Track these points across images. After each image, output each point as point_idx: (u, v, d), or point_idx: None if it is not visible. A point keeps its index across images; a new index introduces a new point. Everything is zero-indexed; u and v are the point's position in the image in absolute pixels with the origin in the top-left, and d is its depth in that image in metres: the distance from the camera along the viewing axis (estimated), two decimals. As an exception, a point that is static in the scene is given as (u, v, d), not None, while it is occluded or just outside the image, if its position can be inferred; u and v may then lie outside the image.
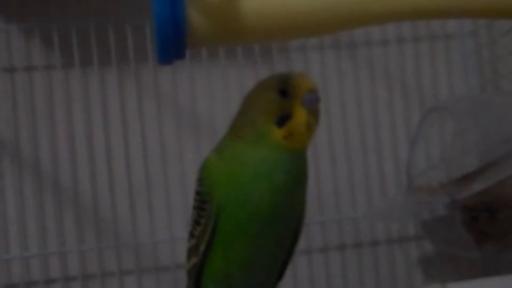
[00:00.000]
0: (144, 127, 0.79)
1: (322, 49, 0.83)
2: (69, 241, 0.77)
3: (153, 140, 0.79)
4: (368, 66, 0.85)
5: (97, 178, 0.78)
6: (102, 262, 0.77)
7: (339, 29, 0.47)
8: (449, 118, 0.76)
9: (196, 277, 0.53)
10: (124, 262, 0.78)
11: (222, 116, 0.76)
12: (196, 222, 0.52)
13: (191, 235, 0.53)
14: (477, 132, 0.73)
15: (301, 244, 0.80)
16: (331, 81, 0.83)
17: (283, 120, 0.49)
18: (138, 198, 0.78)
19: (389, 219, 0.78)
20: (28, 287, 0.76)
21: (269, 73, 0.78)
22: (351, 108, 0.83)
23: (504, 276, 0.53)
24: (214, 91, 0.80)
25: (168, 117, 0.80)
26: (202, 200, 0.51)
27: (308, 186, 0.80)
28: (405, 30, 0.86)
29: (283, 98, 0.49)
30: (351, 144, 0.83)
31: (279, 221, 0.50)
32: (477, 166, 0.69)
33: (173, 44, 0.43)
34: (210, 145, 0.55)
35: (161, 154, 0.78)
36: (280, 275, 0.56)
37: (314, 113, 0.50)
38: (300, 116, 0.49)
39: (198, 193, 0.52)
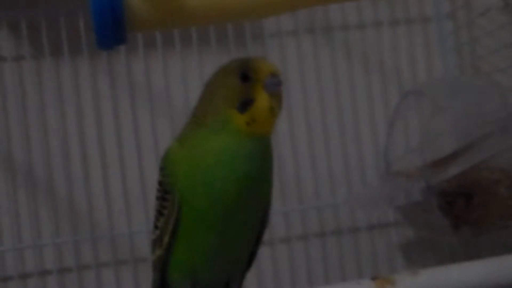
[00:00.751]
0: (118, 116, 0.78)
1: (297, 34, 0.82)
2: (44, 234, 0.76)
3: (128, 129, 0.78)
4: (345, 50, 0.84)
5: (71, 169, 0.77)
6: (78, 255, 0.76)
7: (283, 9, 0.46)
8: (426, 101, 0.75)
9: (162, 268, 0.52)
10: (100, 255, 0.77)
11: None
12: (159, 213, 0.51)
13: (155, 226, 0.52)
14: (454, 115, 0.72)
15: (281, 232, 0.81)
16: (307, 66, 0.82)
17: (245, 105, 0.48)
18: (113, 188, 0.77)
19: (368, 205, 0.77)
20: (3, 282, 0.75)
21: None
22: (328, 93, 0.82)
23: (476, 261, 0.52)
24: (189, 78, 0.79)
25: (142, 106, 0.79)
26: (165, 191, 0.50)
27: (287, 173, 0.80)
28: (382, 14, 0.85)
29: (244, 82, 0.48)
30: (329, 129, 0.82)
31: (243, 210, 0.49)
32: (453, 149, 0.69)
33: (111, 28, 0.42)
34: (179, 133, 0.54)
35: (136, 143, 0.77)
36: (248, 264, 0.55)
37: (276, 97, 0.49)
38: (262, 100, 0.48)
39: (160, 183, 0.51)
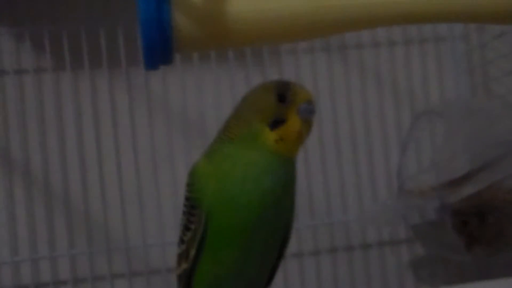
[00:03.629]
0: (135, 130, 0.79)
1: (313, 52, 0.83)
2: (60, 245, 0.77)
3: (144, 143, 0.79)
4: (359, 69, 0.85)
5: (88, 181, 0.78)
6: (93, 266, 0.77)
7: (326, 34, 0.47)
8: (439, 122, 0.76)
9: (187, 282, 0.53)
10: (115, 266, 0.78)
11: (213, 119, 0.76)
12: (185, 228, 0.52)
13: (181, 240, 0.53)
14: (467, 136, 0.73)
15: (293, 247, 0.81)
16: (322, 84, 0.83)
17: (276, 123, 0.50)
18: (129, 201, 0.78)
19: (380, 223, 0.78)
20: (19, 291, 0.76)
21: (260, 76, 0.80)
22: (342, 111, 0.83)
23: (492, 280, 0.53)
24: (205, 94, 0.80)
25: (159, 121, 0.80)
26: (192, 206, 0.51)
27: (300, 189, 0.81)
28: (396, 33, 0.86)
29: (281, 102, 0.50)
30: (342, 147, 0.83)
31: (267, 225, 0.50)
32: (467, 170, 0.69)
33: (159, 49, 0.43)
34: (201, 148, 0.55)
35: (152, 157, 0.78)
36: (269, 279, 0.56)
37: (307, 123, 0.50)
38: (294, 123, 0.50)
39: (187, 198, 0.52)
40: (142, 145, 0.79)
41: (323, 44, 0.84)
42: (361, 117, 0.84)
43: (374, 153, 0.84)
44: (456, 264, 0.81)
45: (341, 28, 0.45)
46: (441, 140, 0.75)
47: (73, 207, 0.78)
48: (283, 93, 0.50)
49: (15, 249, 0.76)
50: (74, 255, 0.77)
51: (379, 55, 0.85)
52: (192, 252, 0.51)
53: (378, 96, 0.85)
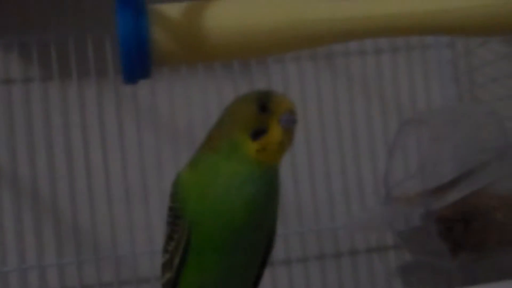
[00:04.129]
0: (123, 138, 0.79)
1: (299, 60, 0.84)
2: (48, 255, 0.77)
3: (132, 152, 0.79)
4: (346, 76, 0.85)
5: (76, 190, 0.79)
6: (81, 275, 0.77)
7: (302, 48, 0.48)
8: (426, 129, 0.76)
9: (171, 291, 0.53)
10: (104, 275, 0.78)
11: (201, 128, 0.75)
12: (169, 238, 0.52)
13: (165, 250, 0.53)
14: (453, 142, 0.73)
15: (281, 254, 0.82)
16: (309, 92, 0.84)
17: (258, 133, 0.50)
18: (117, 210, 0.78)
19: (367, 230, 0.78)
20: (7, 301, 0.76)
21: (247, 85, 0.80)
22: (329, 118, 0.84)
23: (478, 285, 0.53)
24: (193, 103, 0.80)
25: (147, 130, 0.80)
26: (175, 215, 0.52)
27: (288, 197, 0.82)
28: (383, 41, 0.87)
29: (262, 112, 0.50)
30: (329, 154, 0.84)
31: (250, 234, 0.51)
32: (452, 176, 0.70)
33: (138, 64, 0.43)
34: (189, 157, 0.55)
35: (140, 166, 0.79)
36: (254, 287, 0.56)
37: (289, 133, 0.50)
38: (275, 132, 0.50)
39: (171, 208, 0.53)
40: (130, 154, 0.79)
41: (310, 52, 0.84)
42: (348, 124, 0.85)
43: (362, 160, 0.85)
44: (444, 270, 0.81)
45: (318, 41, 0.46)
46: (427, 147, 0.75)
47: (61, 216, 0.78)
48: (264, 103, 0.50)
49: (3, 259, 0.76)
50: (62, 264, 0.77)
51: (366, 63, 0.86)
52: (176, 261, 0.51)
53: (365, 104, 0.86)
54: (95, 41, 0.77)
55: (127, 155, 0.79)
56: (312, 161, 0.83)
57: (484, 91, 0.87)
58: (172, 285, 0.53)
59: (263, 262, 0.55)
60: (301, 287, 0.82)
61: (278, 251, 0.82)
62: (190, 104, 0.80)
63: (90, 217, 0.78)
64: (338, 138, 0.84)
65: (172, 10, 0.45)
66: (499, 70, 0.85)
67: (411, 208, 0.69)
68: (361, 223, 0.79)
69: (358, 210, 0.83)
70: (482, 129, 0.72)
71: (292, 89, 0.83)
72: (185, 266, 0.52)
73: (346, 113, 0.85)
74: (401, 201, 0.75)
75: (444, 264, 0.70)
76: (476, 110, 0.79)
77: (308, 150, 0.83)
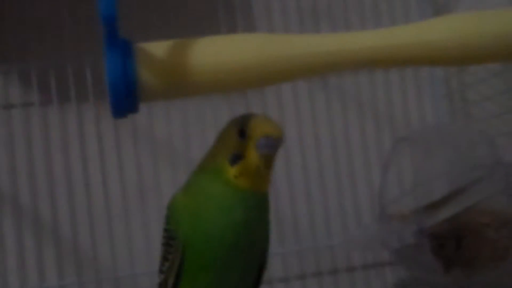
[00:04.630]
0: (122, 161, 0.81)
1: (295, 82, 0.85)
2: (49, 276, 0.78)
3: (131, 174, 0.81)
4: (340, 95, 0.87)
5: (76, 212, 0.80)
6: (82, 296, 0.78)
7: (276, 82, 0.49)
8: (419, 147, 0.78)
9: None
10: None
11: (198, 149, 0.77)
12: (164, 258, 0.54)
13: (160, 271, 0.54)
14: (445, 160, 0.74)
15: (279, 272, 0.83)
16: (303, 112, 0.85)
17: (235, 159, 0.51)
18: (117, 232, 0.80)
19: (363, 247, 0.79)
20: (10, 322, 0.77)
21: (243, 107, 0.82)
22: (324, 136, 0.85)
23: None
24: (190, 125, 0.82)
25: (145, 152, 0.82)
26: (169, 237, 0.53)
27: (284, 215, 0.83)
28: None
29: (240, 138, 0.51)
30: (325, 172, 0.85)
31: (241, 254, 0.52)
32: (445, 193, 0.71)
33: (126, 101, 0.45)
34: (186, 178, 0.57)
35: (138, 188, 0.80)
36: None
37: (268, 157, 0.50)
38: (251, 158, 0.50)
39: (165, 230, 0.54)
40: (128, 175, 0.81)
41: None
42: (343, 142, 0.86)
43: (357, 178, 0.86)
44: (441, 285, 0.82)
45: (290, 76, 0.48)
46: (419, 165, 0.76)
47: (62, 238, 0.79)
48: (242, 128, 0.51)
49: (5, 281, 0.77)
50: (63, 285, 0.78)
51: (359, 81, 0.87)
52: (170, 282, 0.53)
53: (359, 122, 0.87)
54: (93, 65, 0.79)
55: (126, 177, 0.81)
56: (308, 179, 0.84)
57: (477, 108, 0.88)
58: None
59: (257, 281, 0.56)
60: (299, 304, 0.83)
61: (276, 269, 0.83)
62: (187, 125, 0.81)
63: (90, 239, 0.79)
64: (333, 156, 0.85)
65: (157, 48, 0.47)
66: (492, 87, 0.86)
67: (404, 226, 0.70)
68: (357, 241, 0.80)
69: (354, 227, 0.84)
70: (473, 147, 0.74)
71: (287, 109, 0.85)
72: (179, 286, 0.53)
73: (341, 131, 0.86)
74: (396, 218, 0.76)
75: (437, 280, 0.71)
76: (467, 129, 0.80)
77: (303, 168, 0.84)
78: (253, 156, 0.50)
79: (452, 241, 0.68)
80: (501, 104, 0.86)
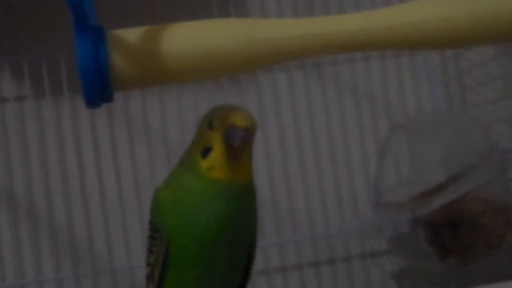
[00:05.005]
0: (116, 153, 0.81)
1: (289, 70, 0.85)
2: (46, 269, 0.79)
3: (126, 165, 0.81)
4: (336, 84, 0.86)
5: (71, 205, 0.80)
6: (79, 289, 0.78)
7: (258, 67, 0.48)
8: (415, 135, 0.77)
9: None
10: (101, 288, 0.79)
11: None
12: (150, 251, 0.54)
13: (147, 263, 0.55)
14: (440, 148, 0.74)
15: (276, 262, 0.83)
16: (299, 101, 0.85)
17: (206, 152, 0.51)
18: (112, 224, 0.80)
19: (359, 236, 0.79)
20: (6, 317, 0.77)
21: (237, 97, 0.81)
22: (320, 126, 0.85)
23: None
24: (185, 116, 0.81)
25: (139, 143, 0.81)
26: (154, 229, 0.53)
27: (281, 205, 0.83)
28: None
29: (210, 130, 0.51)
30: (321, 161, 0.84)
31: (225, 247, 0.52)
32: (440, 181, 0.71)
33: (98, 89, 0.45)
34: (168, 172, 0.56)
35: (134, 179, 0.80)
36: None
37: (235, 148, 0.50)
38: (218, 150, 0.50)
39: (150, 223, 0.54)
40: (123, 167, 0.81)
41: (299, 63, 0.85)
42: (339, 130, 0.85)
43: (354, 166, 0.85)
44: (438, 273, 0.82)
45: (267, 61, 0.47)
46: (415, 153, 0.76)
47: (58, 231, 0.80)
48: (211, 120, 0.51)
49: (2, 274, 0.77)
50: (60, 278, 0.78)
51: (355, 70, 0.87)
52: (157, 274, 0.53)
53: (355, 110, 0.86)
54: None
55: (121, 169, 0.80)
56: (304, 167, 0.84)
57: (474, 94, 0.88)
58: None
59: (246, 272, 0.56)
60: (297, 295, 0.83)
61: (274, 259, 0.83)
62: (182, 116, 0.81)
63: (86, 232, 0.79)
64: (329, 144, 0.85)
65: (130, 34, 0.46)
66: (488, 72, 0.85)
67: (400, 214, 0.70)
68: (353, 230, 0.80)
69: (351, 217, 0.84)
70: (468, 134, 0.73)
71: (282, 97, 0.84)
72: (166, 278, 0.53)
73: (337, 120, 0.85)
74: (391, 206, 0.75)
75: (433, 268, 0.71)
76: (462, 116, 0.80)
77: (300, 158, 0.84)
78: (219, 147, 0.50)
79: (447, 229, 0.68)
80: (497, 89, 0.86)
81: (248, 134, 0.50)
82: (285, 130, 0.83)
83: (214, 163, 0.50)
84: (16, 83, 0.80)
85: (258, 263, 0.77)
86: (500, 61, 0.83)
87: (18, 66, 0.79)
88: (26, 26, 0.80)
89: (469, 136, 0.72)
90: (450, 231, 0.68)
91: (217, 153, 0.50)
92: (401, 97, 0.88)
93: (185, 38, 0.46)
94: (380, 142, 0.85)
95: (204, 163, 0.51)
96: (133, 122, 0.82)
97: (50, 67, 0.79)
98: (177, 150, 0.80)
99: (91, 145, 0.81)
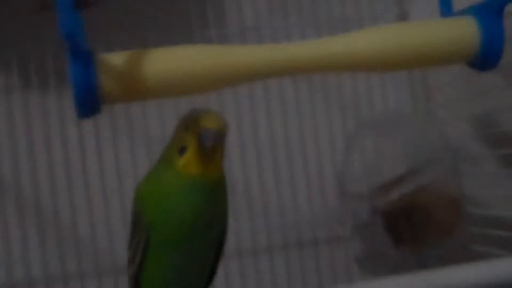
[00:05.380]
0: (100, 145, 0.85)
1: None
2: (52, 265, 0.84)
3: (109, 156, 0.85)
4: (308, 83, 0.92)
5: (75, 202, 0.85)
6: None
7: (223, 87, 0.55)
8: (377, 131, 0.83)
9: (135, 284, 0.61)
10: (104, 285, 0.85)
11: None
12: (132, 236, 0.60)
13: (129, 246, 0.61)
14: (402, 143, 0.80)
15: (248, 245, 0.89)
16: (273, 99, 0.90)
17: (182, 150, 0.57)
18: (115, 222, 0.84)
19: (326, 224, 0.85)
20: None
21: (232, 101, 0.87)
22: (292, 122, 0.90)
23: (411, 273, 0.58)
24: (165, 112, 0.85)
25: (122, 136, 0.86)
26: (136, 217, 0.59)
27: (253, 193, 0.89)
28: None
29: (186, 131, 0.57)
30: (293, 154, 0.90)
31: (200, 235, 0.58)
32: (398, 174, 0.77)
33: (89, 104, 0.52)
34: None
35: (116, 170, 0.85)
36: (209, 279, 0.64)
37: (208, 148, 0.55)
38: (192, 150, 0.56)
39: (132, 212, 0.60)
40: (107, 158, 0.85)
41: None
42: (310, 126, 0.91)
43: (323, 159, 0.91)
44: (392, 258, 0.88)
45: (230, 82, 0.54)
46: (377, 147, 0.82)
47: (63, 229, 0.85)
48: (187, 122, 0.57)
49: (10, 271, 0.82)
50: (65, 275, 0.84)
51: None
52: (138, 258, 0.59)
53: (325, 107, 0.92)
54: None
55: (104, 160, 0.85)
56: (277, 159, 0.90)
57: (438, 93, 0.93)
58: (135, 279, 0.60)
59: (217, 257, 0.63)
60: (266, 276, 0.89)
61: (246, 243, 0.89)
62: (163, 113, 0.86)
63: (90, 230, 0.84)
64: (300, 139, 0.90)
65: (116, 58, 0.53)
66: (451, 74, 0.91)
67: (360, 204, 0.76)
68: (320, 218, 0.86)
69: (319, 205, 0.90)
70: (426, 132, 0.79)
71: (256, 97, 0.90)
72: (146, 261, 0.59)
73: (308, 116, 0.91)
74: (355, 197, 0.82)
75: (389, 254, 0.77)
76: (421, 116, 0.86)
77: (273, 150, 0.90)
78: (193, 148, 0.56)
79: (402, 219, 0.74)
80: (461, 88, 0.91)
81: (219, 135, 0.56)
82: (259, 126, 0.89)
83: (189, 160, 0.56)
84: (4, 75, 0.84)
85: (231, 245, 0.83)
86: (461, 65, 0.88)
87: (5, 59, 0.83)
88: (14, 19, 0.83)
89: (426, 134, 0.79)
90: (404, 220, 0.75)
91: (191, 152, 0.56)
92: (369, 96, 0.93)
93: (163, 61, 0.54)
94: (347, 137, 0.90)
95: (181, 160, 0.56)
96: (132, 119, 0.87)
97: (37, 60, 0.83)
98: (157, 145, 0.85)
99: (76, 137, 0.85)
